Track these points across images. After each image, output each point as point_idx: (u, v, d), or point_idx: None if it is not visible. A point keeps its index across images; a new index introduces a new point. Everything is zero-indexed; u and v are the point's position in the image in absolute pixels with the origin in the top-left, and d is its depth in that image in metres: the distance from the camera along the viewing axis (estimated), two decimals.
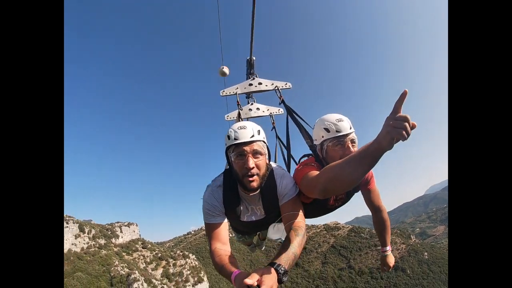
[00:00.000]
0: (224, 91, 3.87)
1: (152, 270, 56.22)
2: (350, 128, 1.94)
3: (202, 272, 71.85)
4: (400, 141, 1.17)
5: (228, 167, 1.86)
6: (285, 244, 1.47)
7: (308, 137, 2.40)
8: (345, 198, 2.25)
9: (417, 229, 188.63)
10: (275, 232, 2.00)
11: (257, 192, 1.78)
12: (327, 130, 1.94)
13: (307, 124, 2.69)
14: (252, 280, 1.14)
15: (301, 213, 1.74)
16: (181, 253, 69.65)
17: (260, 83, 3.87)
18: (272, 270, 1.23)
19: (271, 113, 4.14)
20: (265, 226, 2.15)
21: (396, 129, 1.16)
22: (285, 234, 1.74)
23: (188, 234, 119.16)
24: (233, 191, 1.81)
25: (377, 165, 1.39)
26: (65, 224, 51.97)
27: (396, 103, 1.18)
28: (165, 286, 51.17)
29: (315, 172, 1.73)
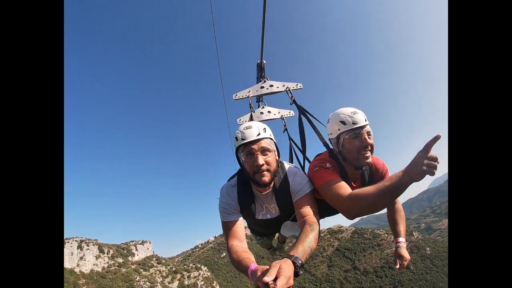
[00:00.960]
0: (237, 94, 3.94)
1: (169, 283, 60.92)
2: (365, 120, 1.95)
3: (214, 282, 76.34)
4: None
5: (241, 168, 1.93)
6: (301, 238, 1.48)
7: (322, 137, 2.44)
8: None
9: (423, 225, 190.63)
10: (289, 229, 2.02)
11: (270, 189, 1.87)
12: (343, 123, 1.95)
13: (319, 122, 2.70)
14: (270, 277, 1.11)
15: (315, 210, 1.78)
16: (193, 266, 74.48)
17: (271, 85, 3.93)
18: (290, 262, 1.23)
19: (282, 115, 4.22)
20: (281, 225, 2.12)
21: (429, 168, 1.40)
22: (298, 230, 1.81)
23: (195, 248, 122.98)
24: (247, 189, 1.90)
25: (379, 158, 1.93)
26: (85, 247, 57.14)
27: (429, 143, 1.40)
28: None
29: (342, 186, 1.79)
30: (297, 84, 3.80)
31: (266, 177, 1.74)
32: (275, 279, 1.11)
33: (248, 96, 3.92)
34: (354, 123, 1.90)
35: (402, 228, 2.31)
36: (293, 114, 4.17)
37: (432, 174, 1.39)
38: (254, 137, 1.73)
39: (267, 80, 3.97)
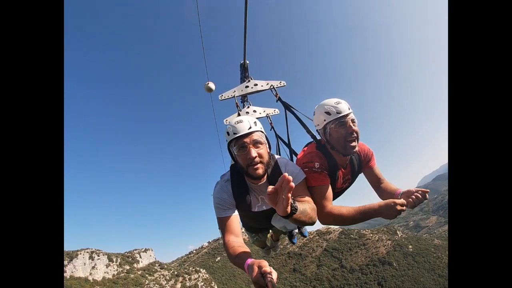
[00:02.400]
0: (222, 95, 4.00)
1: (172, 286, 68.46)
2: (349, 109, 2.02)
3: (213, 283, 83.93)
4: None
5: (233, 162, 1.96)
6: (303, 202, 1.64)
7: (309, 130, 2.49)
8: (351, 179, 2.42)
9: (411, 223, 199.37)
10: (280, 219, 1.99)
11: (264, 180, 1.90)
12: (328, 113, 2.02)
13: (305, 116, 2.71)
14: (269, 267, 1.17)
15: (309, 196, 1.87)
16: (193, 269, 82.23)
17: (255, 84, 4.01)
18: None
19: (267, 114, 4.35)
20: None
21: (398, 213, 1.74)
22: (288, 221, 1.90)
23: (190, 253, 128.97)
24: (241, 183, 1.92)
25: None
26: (96, 257, 64.38)
27: (411, 202, 1.80)
28: None
29: (326, 196, 1.95)
30: (280, 82, 3.93)
31: (260, 169, 1.77)
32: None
33: (234, 96, 4.01)
34: (338, 113, 2.00)
35: (393, 186, 2.31)
36: (278, 112, 4.38)
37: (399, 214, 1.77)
38: (246, 131, 1.76)
39: (251, 79, 4.08)
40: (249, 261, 1.36)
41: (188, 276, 76.32)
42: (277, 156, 2.05)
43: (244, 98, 4.51)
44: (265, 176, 1.90)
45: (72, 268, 57.01)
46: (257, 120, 1.90)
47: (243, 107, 4.49)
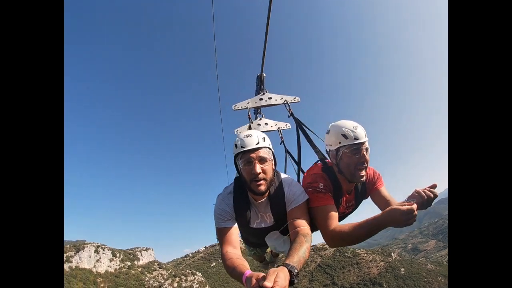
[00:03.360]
0: (236, 105, 4.05)
1: (169, 285, 72.79)
2: (365, 136, 1.99)
3: (207, 286, 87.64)
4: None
5: (237, 175, 1.97)
6: (296, 247, 1.52)
7: (318, 150, 2.47)
8: (355, 205, 2.38)
9: (409, 245, 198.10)
10: (274, 240, 2.03)
11: (266, 197, 1.92)
12: (344, 136, 1.97)
13: (316, 135, 2.71)
14: (270, 283, 1.12)
15: (307, 221, 1.84)
16: (189, 271, 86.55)
17: (270, 98, 4.07)
18: (286, 271, 1.25)
19: (279, 128, 4.34)
20: None
21: (409, 221, 1.54)
22: (282, 243, 1.97)
23: (186, 256, 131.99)
24: (243, 197, 1.94)
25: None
26: (101, 251, 69.50)
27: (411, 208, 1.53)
28: None
29: (331, 216, 1.86)
30: (294, 98, 3.98)
31: (263, 186, 1.79)
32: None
33: (247, 107, 4.04)
34: (355, 138, 1.95)
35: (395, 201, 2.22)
36: (290, 127, 4.39)
37: (411, 223, 1.55)
38: (253, 146, 1.77)
39: (266, 92, 4.16)
40: (248, 273, 1.37)
41: (185, 278, 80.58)
42: (283, 176, 2.05)
43: (257, 110, 4.53)
44: (267, 193, 1.91)
45: (78, 260, 62.08)
46: (266, 136, 1.91)
47: (255, 119, 4.54)
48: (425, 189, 1.72)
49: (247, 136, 1.83)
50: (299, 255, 1.46)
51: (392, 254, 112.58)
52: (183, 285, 75.32)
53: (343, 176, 2.10)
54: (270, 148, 1.90)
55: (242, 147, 1.80)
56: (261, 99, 4.14)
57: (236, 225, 1.93)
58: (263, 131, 4.00)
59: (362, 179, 2.04)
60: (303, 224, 1.79)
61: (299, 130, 3.14)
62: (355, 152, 1.97)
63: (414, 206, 1.55)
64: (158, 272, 78.53)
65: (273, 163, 1.92)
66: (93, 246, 69.18)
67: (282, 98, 4.04)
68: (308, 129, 2.95)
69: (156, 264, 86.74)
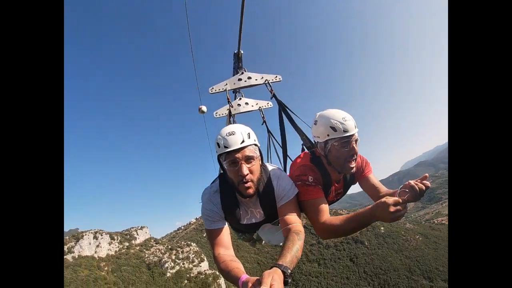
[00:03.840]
0: (213, 88, 3.79)
1: (168, 258, 79.30)
2: (355, 127, 1.93)
3: (202, 255, 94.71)
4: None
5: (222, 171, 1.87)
6: (288, 246, 1.50)
7: (305, 137, 2.42)
8: (343, 192, 2.40)
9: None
10: (266, 232, 2.06)
11: (255, 194, 1.80)
12: (333, 129, 1.91)
13: (300, 119, 2.58)
14: (266, 286, 1.12)
15: (299, 216, 1.83)
16: (184, 243, 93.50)
17: (249, 78, 3.79)
18: (280, 272, 1.25)
19: (260, 107, 4.18)
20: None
21: (397, 214, 1.49)
22: (276, 236, 1.96)
23: (178, 229, 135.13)
24: (230, 195, 1.85)
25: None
26: (100, 236, 73.54)
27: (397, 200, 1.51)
28: (181, 263, 75.88)
29: (321, 209, 1.87)
30: (276, 77, 3.73)
31: (251, 189, 1.72)
32: None
33: (225, 89, 3.78)
34: (345, 131, 1.89)
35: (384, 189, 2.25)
36: (271, 105, 4.24)
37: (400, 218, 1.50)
38: (238, 145, 1.66)
39: (245, 71, 3.84)
40: (244, 278, 1.36)
41: (181, 249, 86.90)
42: (270, 167, 1.97)
43: (236, 89, 4.19)
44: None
45: (79, 248, 65.47)
46: (251, 131, 1.80)
47: (235, 99, 4.32)
48: (416, 181, 1.70)
49: (230, 134, 1.70)
50: (292, 255, 1.45)
51: None
52: (181, 256, 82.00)
53: (332, 168, 2.09)
54: (256, 144, 1.79)
55: (225, 147, 1.67)
56: (239, 79, 3.90)
57: (226, 225, 1.89)
58: (243, 112, 4.12)
59: (352, 171, 2.04)
60: (295, 220, 1.76)
61: (282, 113, 3.00)
62: (344, 145, 1.94)
63: (400, 200, 1.54)
64: (155, 248, 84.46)
65: (260, 159, 1.83)
66: (91, 233, 72.21)
67: (262, 78, 3.85)
68: (292, 112, 2.84)
69: (152, 240, 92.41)
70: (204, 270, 75.76)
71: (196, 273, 72.64)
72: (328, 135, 1.96)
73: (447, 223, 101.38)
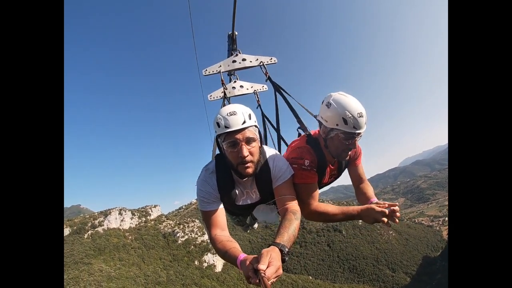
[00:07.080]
0: (207, 70, 3.77)
1: (179, 229, 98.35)
2: (365, 125, 1.93)
3: (204, 229, 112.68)
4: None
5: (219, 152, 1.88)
6: (285, 225, 1.53)
7: (301, 121, 2.38)
8: (337, 174, 2.45)
9: (380, 200, 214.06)
10: (261, 213, 2.08)
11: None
12: (345, 121, 1.88)
13: (296, 101, 2.59)
14: (264, 265, 1.15)
15: (295, 196, 1.85)
16: (190, 219, 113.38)
17: (244, 59, 3.76)
18: (277, 250, 1.29)
19: (255, 90, 4.17)
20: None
21: (373, 221, 1.70)
22: (271, 216, 2.00)
23: (180, 208, 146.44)
24: (227, 176, 1.85)
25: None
26: (124, 213, 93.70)
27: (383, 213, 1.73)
28: (189, 233, 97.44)
29: (313, 195, 1.97)
30: (271, 58, 3.71)
31: (250, 169, 1.72)
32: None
33: (220, 71, 3.76)
34: (355, 127, 1.89)
35: (370, 192, 2.32)
36: (267, 89, 4.23)
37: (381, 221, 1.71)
38: (239, 126, 1.65)
39: (240, 53, 3.81)
40: (242, 256, 1.39)
41: (187, 224, 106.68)
42: (266, 150, 1.98)
43: (230, 72, 4.16)
44: None
45: (108, 222, 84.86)
46: (251, 112, 1.79)
47: (229, 81, 4.33)
48: (390, 205, 1.86)
49: (231, 113, 1.68)
50: (289, 234, 1.47)
51: (353, 203, 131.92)
52: (186, 230, 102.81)
53: (327, 151, 2.13)
54: (256, 126, 1.80)
55: (226, 127, 1.66)
56: (234, 61, 3.84)
57: (222, 205, 1.90)
58: (238, 95, 4.33)
59: (346, 159, 2.21)
60: (292, 201, 1.80)
61: (277, 95, 3.08)
62: (348, 139, 1.96)
63: (387, 211, 1.79)
64: (166, 222, 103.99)
65: (259, 141, 1.84)
66: (117, 210, 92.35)
67: (257, 60, 3.79)
68: (288, 94, 2.86)
69: (163, 216, 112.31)
70: (206, 239, 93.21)
71: (200, 241, 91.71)
72: (337, 125, 1.94)
73: (425, 223, 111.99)
